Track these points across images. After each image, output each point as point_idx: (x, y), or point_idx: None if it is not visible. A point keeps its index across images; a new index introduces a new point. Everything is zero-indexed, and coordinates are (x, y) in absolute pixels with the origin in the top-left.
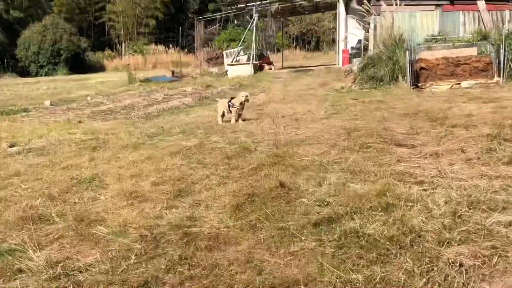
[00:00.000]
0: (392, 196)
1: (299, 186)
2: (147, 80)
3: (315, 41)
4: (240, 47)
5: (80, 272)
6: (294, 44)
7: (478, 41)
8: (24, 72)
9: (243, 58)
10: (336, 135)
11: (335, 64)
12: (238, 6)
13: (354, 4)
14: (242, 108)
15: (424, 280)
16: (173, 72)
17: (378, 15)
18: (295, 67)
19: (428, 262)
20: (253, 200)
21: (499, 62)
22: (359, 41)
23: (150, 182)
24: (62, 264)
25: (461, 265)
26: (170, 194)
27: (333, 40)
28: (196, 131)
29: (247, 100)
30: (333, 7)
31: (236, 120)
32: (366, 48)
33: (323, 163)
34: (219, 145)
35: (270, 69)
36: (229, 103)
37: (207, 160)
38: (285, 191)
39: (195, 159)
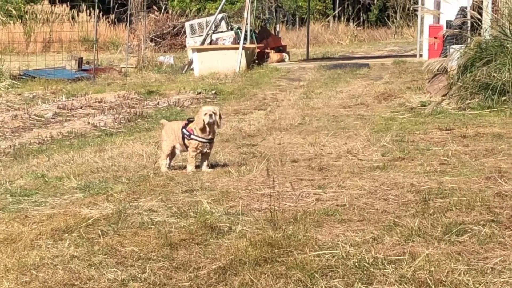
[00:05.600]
0: None
1: None
2: (26, 76)
3: (378, 7)
4: (221, 14)
5: None
6: (336, 11)
7: None
8: None
9: (225, 36)
10: (399, 204)
11: (414, 55)
12: None
13: None
14: (210, 141)
15: None
16: (80, 61)
17: None
18: (332, 58)
19: None
20: None
21: None
22: (462, 10)
23: None
24: None
25: None
26: None
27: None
28: (114, 186)
29: (216, 123)
30: None
31: (197, 166)
32: (474, 26)
33: (364, 263)
34: (156, 218)
35: (281, 60)
36: (184, 130)
37: (127, 248)
38: None
39: (102, 246)
